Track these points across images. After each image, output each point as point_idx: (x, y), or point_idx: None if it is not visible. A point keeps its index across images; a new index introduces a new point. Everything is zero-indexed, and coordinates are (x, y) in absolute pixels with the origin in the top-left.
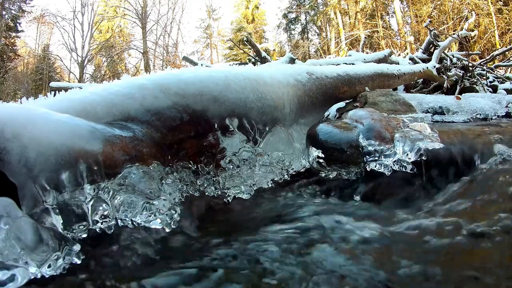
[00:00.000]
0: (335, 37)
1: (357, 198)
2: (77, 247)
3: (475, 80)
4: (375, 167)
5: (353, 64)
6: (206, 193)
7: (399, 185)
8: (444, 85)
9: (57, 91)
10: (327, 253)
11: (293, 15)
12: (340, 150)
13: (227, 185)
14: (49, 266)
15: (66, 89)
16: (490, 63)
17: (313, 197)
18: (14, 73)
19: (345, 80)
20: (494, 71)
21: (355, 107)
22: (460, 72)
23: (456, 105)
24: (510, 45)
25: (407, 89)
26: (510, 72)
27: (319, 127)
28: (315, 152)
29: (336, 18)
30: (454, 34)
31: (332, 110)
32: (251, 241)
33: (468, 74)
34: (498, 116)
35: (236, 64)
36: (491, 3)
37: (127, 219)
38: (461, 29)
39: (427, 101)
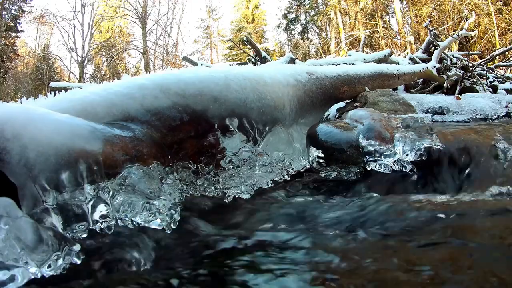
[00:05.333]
0: (335, 37)
1: (357, 196)
2: (77, 247)
3: (475, 80)
4: (375, 167)
5: (353, 64)
6: (206, 193)
7: (399, 184)
8: (444, 85)
9: (57, 91)
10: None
11: (293, 15)
12: (340, 150)
13: (227, 185)
14: (49, 266)
15: (66, 89)
16: (490, 63)
17: (313, 197)
18: (14, 73)
19: (345, 80)
20: (494, 71)
21: (355, 107)
22: (460, 72)
23: (456, 105)
24: (510, 45)
25: (407, 89)
26: (510, 72)
27: (319, 127)
28: (315, 152)
29: (336, 18)
30: (454, 34)
31: (332, 110)
32: (254, 241)
33: (468, 74)
34: (498, 116)
35: (236, 64)
36: (491, 3)
37: (127, 219)
38: (461, 29)
39: (427, 101)
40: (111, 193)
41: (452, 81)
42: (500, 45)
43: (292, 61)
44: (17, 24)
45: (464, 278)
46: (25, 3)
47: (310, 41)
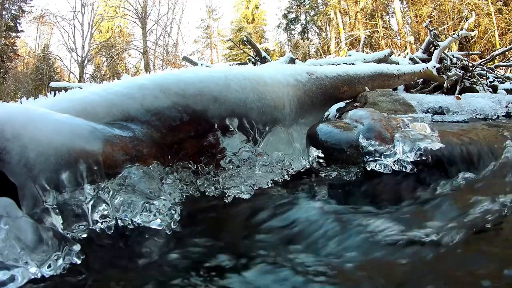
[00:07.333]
0: (335, 37)
1: (357, 196)
2: (77, 247)
3: (475, 80)
4: (375, 167)
5: (353, 64)
6: (206, 193)
7: (399, 184)
8: (444, 85)
9: (57, 91)
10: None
11: (293, 15)
12: (340, 150)
13: (227, 185)
14: (49, 266)
15: (66, 89)
16: (490, 63)
17: (313, 197)
18: (14, 73)
19: (345, 80)
20: (494, 71)
21: (355, 107)
22: (460, 72)
23: (456, 105)
24: (510, 45)
25: (407, 89)
26: (510, 72)
27: (319, 127)
28: (315, 152)
29: (336, 18)
30: (454, 34)
31: (332, 110)
32: (255, 241)
33: (468, 74)
34: (498, 116)
35: (236, 64)
36: (491, 3)
37: (127, 219)
38: (461, 29)
39: (427, 101)
40: (111, 193)
41: (452, 81)
42: (500, 45)
43: (292, 61)
44: (17, 24)
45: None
46: (25, 3)
47: (310, 41)
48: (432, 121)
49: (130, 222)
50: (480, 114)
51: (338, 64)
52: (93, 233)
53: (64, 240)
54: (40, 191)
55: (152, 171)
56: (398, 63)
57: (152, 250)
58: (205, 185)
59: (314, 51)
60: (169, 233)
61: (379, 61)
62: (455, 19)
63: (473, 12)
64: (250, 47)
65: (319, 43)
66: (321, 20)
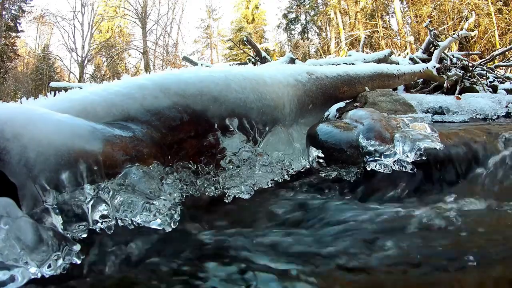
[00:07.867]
0: (335, 37)
1: (357, 196)
2: (77, 247)
3: (475, 80)
4: (375, 167)
5: (353, 64)
6: (206, 193)
7: (399, 184)
8: (444, 85)
9: (57, 91)
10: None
11: (293, 15)
12: (340, 150)
13: (227, 185)
14: (49, 266)
15: (66, 89)
16: (490, 63)
17: (313, 197)
18: (14, 73)
19: (345, 80)
20: (494, 71)
21: (355, 107)
22: (460, 72)
23: (456, 105)
24: (510, 45)
25: (407, 89)
26: (510, 72)
27: (319, 127)
28: (315, 152)
29: (336, 18)
30: (454, 34)
31: (332, 110)
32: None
33: (468, 74)
34: (498, 116)
35: (236, 64)
36: (491, 3)
37: (127, 219)
38: (461, 29)
39: (427, 101)
40: (111, 193)
41: (452, 81)
42: (500, 45)
43: (292, 61)
44: (17, 24)
45: None
46: (25, 3)
47: (310, 41)
48: (432, 121)
49: (130, 222)
50: (480, 114)
51: (338, 64)
52: (93, 233)
53: (64, 240)
54: (40, 191)
55: (152, 171)
56: (398, 63)
57: (151, 250)
58: (205, 185)
59: (314, 51)
60: (168, 230)
61: (379, 61)
62: (455, 19)
63: (473, 12)
64: (250, 47)
65: (319, 43)
66: (321, 20)
